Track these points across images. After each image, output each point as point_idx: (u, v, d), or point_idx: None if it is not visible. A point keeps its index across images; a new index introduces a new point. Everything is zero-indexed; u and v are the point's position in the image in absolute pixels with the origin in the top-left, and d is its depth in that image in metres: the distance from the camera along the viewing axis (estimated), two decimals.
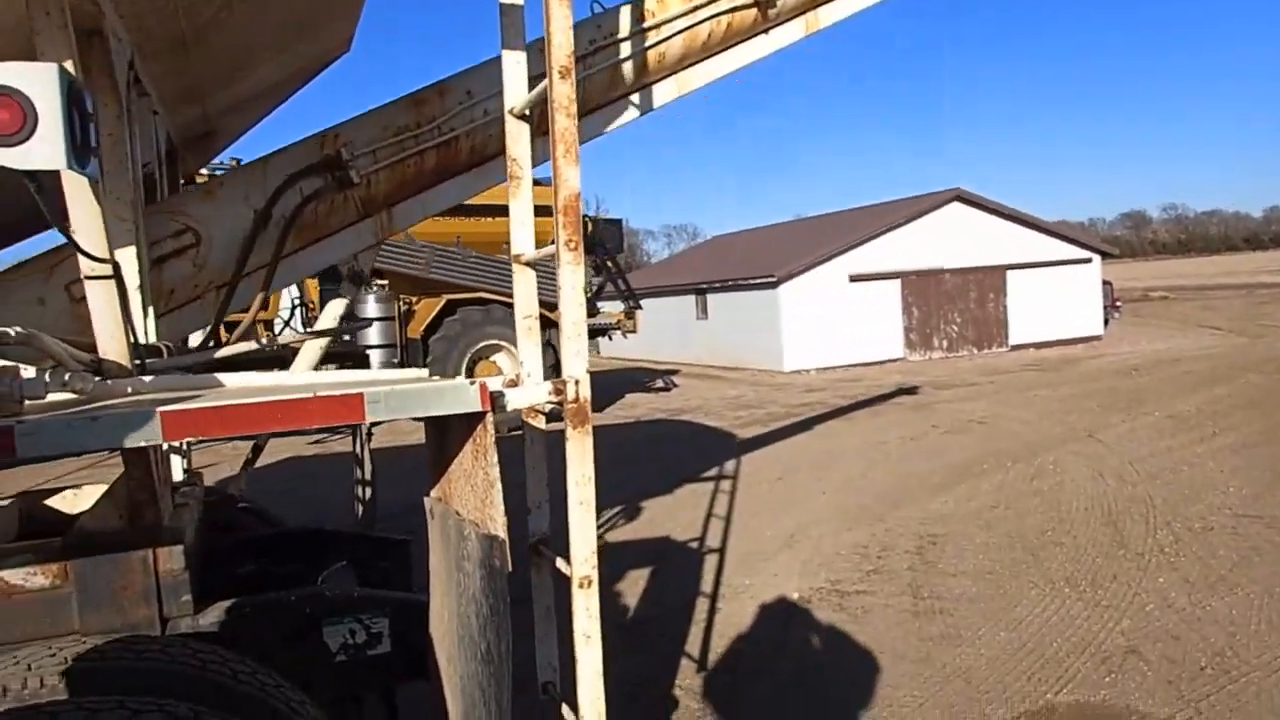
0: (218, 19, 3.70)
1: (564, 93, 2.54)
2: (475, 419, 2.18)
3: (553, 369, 2.47)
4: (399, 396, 2.05)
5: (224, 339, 4.02)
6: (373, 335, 15.22)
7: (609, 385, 22.70)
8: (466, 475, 2.30)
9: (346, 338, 15.75)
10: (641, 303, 20.62)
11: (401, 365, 15.55)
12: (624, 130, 4.48)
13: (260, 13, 4.00)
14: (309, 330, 4.54)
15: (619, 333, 19.39)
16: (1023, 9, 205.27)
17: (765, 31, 4.55)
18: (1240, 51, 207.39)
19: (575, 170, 2.55)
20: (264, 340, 4.13)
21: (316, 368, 4.28)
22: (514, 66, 3.00)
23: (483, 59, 4.09)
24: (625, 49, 4.15)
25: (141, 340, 2.98)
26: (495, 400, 2.19)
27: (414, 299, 16.55)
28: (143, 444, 1.89)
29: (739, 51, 4.57)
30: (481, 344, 16.20)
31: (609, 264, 19.14)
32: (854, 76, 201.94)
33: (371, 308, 15.19)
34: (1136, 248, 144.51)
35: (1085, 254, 29.66)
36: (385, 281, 15.81)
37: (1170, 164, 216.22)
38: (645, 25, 4.15)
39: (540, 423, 2.75)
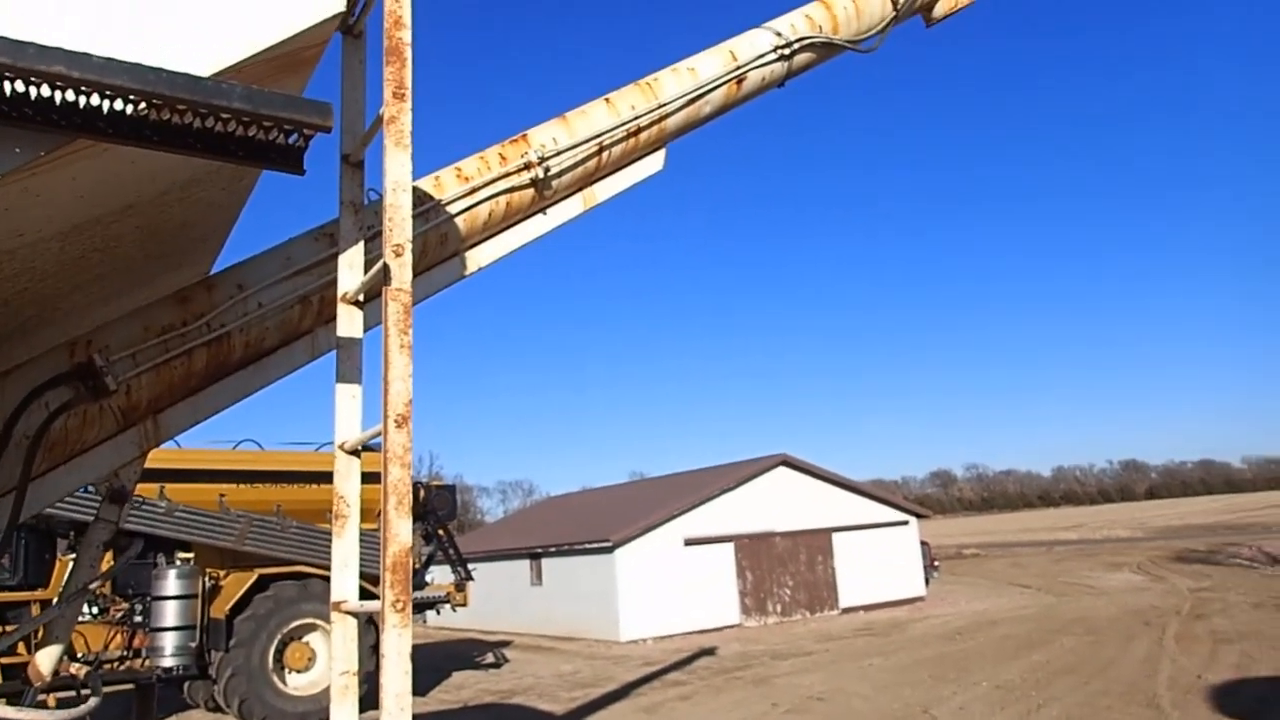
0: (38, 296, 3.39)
1: (399, 442, 2.42)
2: None
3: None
4: None
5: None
6: (167, 615, 13.61)
7: (435, 661, 21.12)
8: None
9: (138, 618, 14.09)
10: (473, 570, 19.74)
11: (200, 650, 13.90)
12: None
13: (98, 273, 3.68)
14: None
15: (448, 606, 18.35)
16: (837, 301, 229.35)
17: (543, 211, 4.74)
18: (1025, 321, 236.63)
19: (407, 524, 2.39)
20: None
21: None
22: (348, 401, 2.89)
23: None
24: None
25: None
26: None
27: (222, 573, 15.09)
28: None
29: (523, 229, 4.71)
30: (295, 623, 14.81)
31: (440, 532, 18.43)
32: (681, 340, 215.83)
33: (170, 584, 13.71)
34: (946, 505, 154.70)
35: (903, 516, 31.24)
36: (190, 555, 14.45)
37: (970, 426, 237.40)
38: (423, 208, 4.12)
39: None
